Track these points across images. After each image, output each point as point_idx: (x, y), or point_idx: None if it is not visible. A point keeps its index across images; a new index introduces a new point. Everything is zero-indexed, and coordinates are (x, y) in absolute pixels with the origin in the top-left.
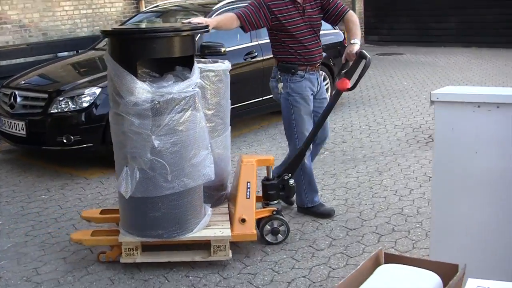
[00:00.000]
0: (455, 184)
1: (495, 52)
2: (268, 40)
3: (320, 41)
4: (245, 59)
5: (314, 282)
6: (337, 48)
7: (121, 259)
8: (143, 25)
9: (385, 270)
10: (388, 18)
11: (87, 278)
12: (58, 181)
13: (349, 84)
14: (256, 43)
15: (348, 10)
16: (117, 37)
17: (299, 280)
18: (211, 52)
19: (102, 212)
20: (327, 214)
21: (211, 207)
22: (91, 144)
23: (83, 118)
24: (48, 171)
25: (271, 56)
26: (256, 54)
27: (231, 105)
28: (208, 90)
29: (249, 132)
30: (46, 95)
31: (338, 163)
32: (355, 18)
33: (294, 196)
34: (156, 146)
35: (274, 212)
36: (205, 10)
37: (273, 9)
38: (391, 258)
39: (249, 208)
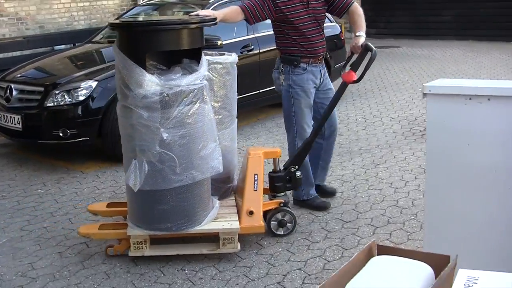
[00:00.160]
0: (447, 176)
1: (491, 45)
2: (265, 33)
3: (323, 33)
4: (241, 52)
5: (309, 275)
6: (334, 41)
7: (129, 252)
8: (146, 18)
9: (378, 262)
10: (385, 12)
11: (82, 273)
12: (54, 175)
13: (355, 76)
14: (252, 36)
15: (353, 2)
16: (126, 29)
17: (295, 273)
18: (207, 45)
19: (108, 205)
20: (323, 207)
21: (218, 199)
22: (87, 138)
23: (79, 112)
24: (44, 165)
25: (268, 49)
26: (252, 47)
27: None
28: (216, 83)
29: (246, 125)
30: (42, 89)
31: (334, 156)
32: (359, 10)
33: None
34: (165, 138)
35: (281, 204)
36: (202, 3)
37: (277, 1)
38: (384, 250)
39: (256, 200)
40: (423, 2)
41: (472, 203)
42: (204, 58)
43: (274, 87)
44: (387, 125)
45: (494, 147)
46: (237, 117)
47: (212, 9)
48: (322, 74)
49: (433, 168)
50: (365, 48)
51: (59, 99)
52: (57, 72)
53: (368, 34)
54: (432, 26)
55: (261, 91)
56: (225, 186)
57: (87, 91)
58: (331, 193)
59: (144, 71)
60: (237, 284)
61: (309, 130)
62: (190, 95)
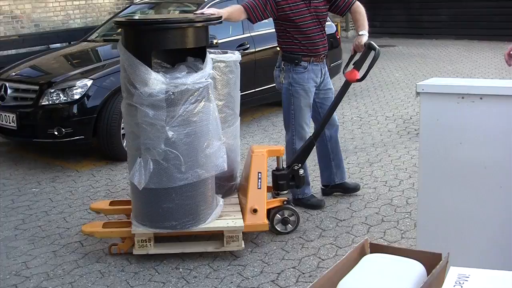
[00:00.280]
0: (440, 175)
1: (486, 44)
2: (260, 32)
3: (325, 32)
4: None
5: (303, 273)
6: (330, 40)
7: (134, 250)
8: (142, 16)
9: (370, 260)
10: (380, 11)
11: (77, 272)
12: (49, 174)
13: (359, 75)
14: (248, 35)
15: (355, 1)
16: (132, 27)
17: (289, 271)
18: None
19: (111, 203)
20: (317, 206)
21: (221, 197)
22: (83, 137)
23: (74, 110)
24: (39, 163)
25: (263, 48)
26: (248, 45)
27: None
28: (219, 81)
29: (241, 124)
30: (37, 87)
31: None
32: (362, 9)
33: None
34: (170, 137)
35: (285, 202)
36: (198, 2)
37: (280, 0)
38: (376, 248)
39: (260, 198)
40: (418, 1)
41: (465, 201)
42: (209, 57)
43: (269, 86)
44: (382, 124)
45: (486, 145)
46: None
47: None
48: (323, 73)
49: (426, 167)
50: (368, 47)
51: (54, 98)
52: (53, 70)
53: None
54: (427, 25)
55: (256, 90)
56: (229, 184)
57: (83, 90)
58: (354, 189)
59: (150, 69)
60: (232, 282)
61: (307, 129)
62: (196, 93)
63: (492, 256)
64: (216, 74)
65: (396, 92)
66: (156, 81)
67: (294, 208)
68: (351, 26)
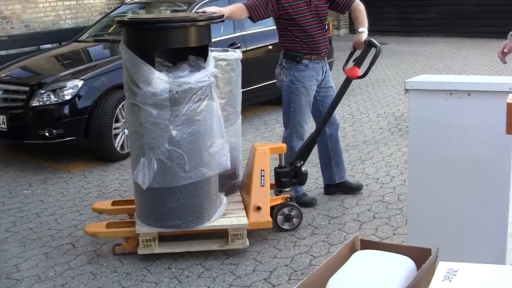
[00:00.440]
0: (430, 171)
1: (476, 41)
2: (251, 31)
3: (326, 30)
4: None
5: (295, 271)
6: None
7: (138, 250)
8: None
9: (361, 256)
10: (372, 9)
11: (68, 273)
12: (40, 175)
13: (360, 72)
14: (239, 34)
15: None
16: (135, 27)
17: (281, 269)
18: None
19: (113, 203)
20: (309, 204)
21: (224, 195)
22: (74, 137)
23: (65, 111)
24: (30, 165)
25: (254, 47)
26: (239, 44)
27: None
28: (221, 79)
29: None
30: (27, 88)
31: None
32: (361, 7)
33: None
34: (174, 136)
35: (288, 199)
36: (189, 1)
37: None
38: (366, 244)
39: (264, 196)
40: None
41: (454, 197)
42: (211, 55)
43: (261, 84)
44: (373, 121)
45: (474, 141)
46: None
47: (198, 8)
48: (325, 71)
49: (415, 163)
50: (369, 44)
51: (45, 99)
52: (43, 71)
53: (354, 31)
54: (418, 23)
55: (248, 89)
56: (231, 182)
57: (73, 91)
58: (356, 188)
59: (153, 68)
60: (224, 281)
61: (306, 127)
62: (199, 92)
63: (482, 251)
64: (218, 73)
65: (387, 90)
66: (160, 80)
67: (297, 205)
68: (342, 25)
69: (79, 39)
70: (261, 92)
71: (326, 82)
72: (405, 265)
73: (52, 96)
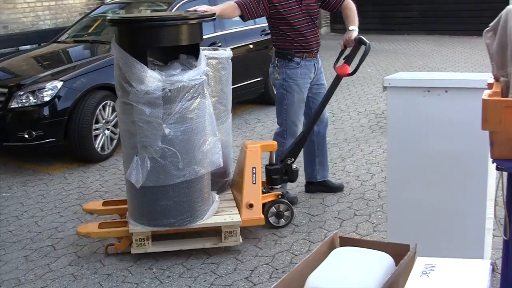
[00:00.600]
0: (408, 167)
1: (457, 39)
2: (232, 31)
3: (317, 28)
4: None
5: (276, 269)
6: None
7: (132, 250)
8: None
9: (339, 253)
10: None
11: (49, 276)
12: (20, 177)
13: (350, 69)
14: (220, 33)
15: None
16: (127, 26)
17: (262, 268)
18: None
19: (104, 203)
20: (290, 202)
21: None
22: (54, 139)
23: (44, 113)
24: (10, 167)
25: (235, 46)
26: (220, 44)
27: None
28: (212, 78)
29: None
30: (5, 90)
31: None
32: (352, 5)
33: None
34: (167, 134)
35: (279, 196)
36: (169, 1)
37: None
38: (345, 241)
39: (255, 193)
40: None
41: (433, 193)
42: (203, 53)
43: (242, 84)
44: (354, 119)
45: (452, 137)
46: None
47: (177, 8)
48: (317, 68)
49: (394, 160)
50: (359, 42)
51: (24, 100)
52: (22, 72)
53: (336, 30)
54: (399, 21)
55: None
56: (222, 181)
57: (53, 92)
58: (337, 188)
59: (146, 67)
60: (205, 281)
61: (300, 125)
62: (191, 90)
63: (461, 246)
64: (209, 71)
65: (368, 88)
66: (153, 79)
67: (288, 202)
68: (323, 23)
69: (58, 40)
70: (242, 91)
71: (318, 80)
72: (383, 261)
73: (31, 97)
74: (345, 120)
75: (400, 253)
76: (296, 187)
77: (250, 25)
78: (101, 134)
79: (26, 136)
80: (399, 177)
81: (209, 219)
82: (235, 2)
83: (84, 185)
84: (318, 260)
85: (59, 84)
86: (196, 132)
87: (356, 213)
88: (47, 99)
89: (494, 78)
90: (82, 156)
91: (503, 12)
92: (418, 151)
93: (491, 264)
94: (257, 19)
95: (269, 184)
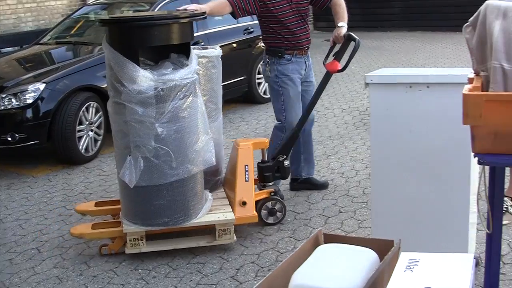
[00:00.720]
0: (392, 163)
1: (439, 35)
2: (214, 30)
3: (308, 26)
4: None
5: (262, 267)
6: None
7: (126, 250)
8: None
9: (324, 250)
10: None
11: (34, 279)
12: (3, 180)
13: (340, 65)
14: (202, 32)
15: None
16: (118, 25)
17: (248, 266)
18: None
19: (97, 204)
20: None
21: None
22: (37, 141)
23: (27, 115)
24: None
25: (218, 45)
26: (202, 43)
27: None
28: (202, 76)
29: None
30: None
31: None
32: (341, 2)
33: None
34: (160, 133)
35: (272, 194)
36: (151, 1)
37: None
38: (330, 238)
39: (248, 190)
40: None
41: (417, 188)
42: (194, 52)
43: (225, 83)
44: (338, 116)
45: (435, 132)
46: None
47: (160, 8)
48: (307, 65)
49: (377, 156)
50: (348, 38)
51: (6, 103)
52: (4, 75)
53: (320, 27)
54: (382, 18)
55: None
56: (214, 179)
57: (35, 94)
58: (322, 186)
59: (138, 66)
60: (191, 280)
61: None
62: (183, 89)
63: (445, 241)
64: (199, 70)
65: (352, 85)
66: (145, 78)
67: (280, 199)
68: None
69: (40, 42)
70: (225, 90)
71: (307, 77)
72: (368, 257)
73: (13, 100)
74: (329, 118)
75: (384, 249)
76: (280, 185)
77: (232, 24)
78: (84, 136)
79: (9, 139)
80: (382, 173)
81: (203, 218)
82: None
83: (69, 187)
84: (303, 258)
85: (41, 86)
86: (189, 131)
87: (341, 210)
88: (29, 101)
89: (474, 73)
90: (66, 158)
91: (482, 7)
92: (401, 147)
93: (474, 258)
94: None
95: (261, 181)
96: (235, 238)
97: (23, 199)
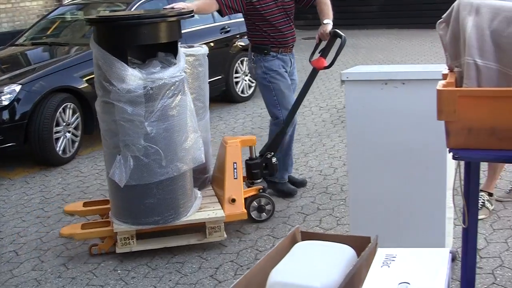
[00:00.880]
0: (368, 160)
1: (415, 32)
2: (191, 29)
3: (293, 24)
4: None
5: (241, 266)
6: None
7: (116, 249)
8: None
9: (301, 247)
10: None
11: (12, 281)
12: None
13: (326, 62)
14: None
15: None
16: (106, 24)
17: (227, 265)
18: None
19: (85, 204)
20: (289, 194)
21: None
22: (14, 143)
23: (3, 117)
24: None
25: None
26: (180, 43)
27: None
28: (189, 74)
29: None
30: None
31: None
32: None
33: None
34: (149, 132)
35: (261, 191)
36: (127, 1)
37: None
38: (307, 236)
39: (237, 188)
40: None
41: (393, 184)
42: (182, 50)
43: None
44: (316, 114)
45: (410, 128)
46: None
47: (136, 8)
48: (292, 63)
49: (354, 153)
50: (334, 35)
51: None
52: None
53: (297, 26)
54: (359, 15)
55: None
56: (203, 177)
57: (11, 95)
58: (301, 183)
59: (126, 65)
60: (170, 280)
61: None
62: (172, 87)
63: (423, 236)
64: (186, 68)
65: (329, 82)
66: (134, 77)
67: (269, 196)
68: None
69: (16, 43)
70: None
71: (291, 74)
72: (345, 253)
73: None
74: (307, 116)
75: (361, 245)
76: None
77: (209, 24)
78: (62, 137)
79: None
80: (359, 170)
81: (193, 216)
82: None
83: (46, 189)
84: (280, 255)
85: (17, 87)
86: (178, 129)
87: (319, 207)
88: (5, 103)
89: (448, 69)
90: (43, 159)
91: (455, 4)
92: (377, 144)
93: (450, 252)
94: (216, 17)
95: (250, 178)
96: (225, 236)
97: (0, 201)
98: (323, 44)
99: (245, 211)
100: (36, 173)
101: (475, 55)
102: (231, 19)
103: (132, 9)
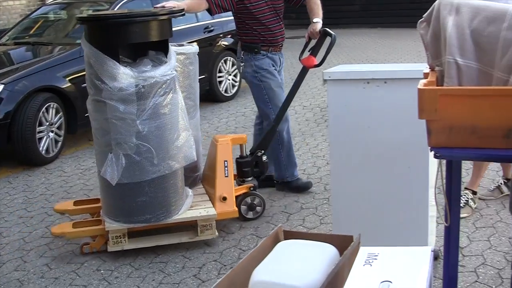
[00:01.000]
0: (351, 159)
1: (398, 31)
2: (176, 29)
3: (283, 23)
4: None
5: (225, 265)
6: None
7: (108, 248)
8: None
9: (284, 246)
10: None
11: None
12: None
13: (316, 61)
14: None
15: None
16: (98, 23)
17: (210, 264)
18: None
19: (75, 203)
20: (306, 187)
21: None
22: None
23: None
24: None
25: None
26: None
27: None
28: (180, 73)
29: None
30: None
31: (249, 146)
32: None
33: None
34: (141, 130)
35: (251, 189)
36: (111, 0)
37: None
38: (289, 235)
39: (228, 186)
40: None
41: (376, 183)
42: (172, 49)
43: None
44: (300, 113)
45: (393, 127)
46: None
47: (119, 7)
48: (281, 62)
49: (336, 152)
50: (324, 33)
51: None
52: None
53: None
54: (342, 15)
55: None
56: (193, 175)
57: None
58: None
59: (118, 64)
60: (153, 280)
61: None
62: (164, 85)
63: (405, 234)
64: (177, 66)
65: (312, 82)
66: (125, 75)
67: (260, 194)
68: None
69: None
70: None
71: (279, 73)
72: (327, 252)
73: None
74: (290, 115)
75: (344, 244)
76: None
77: (193, 23)
78: (45, 137)
79: None
80: (342, 168)
81: (184, 214)
82: None
83: (29, 189)
84: (263, 254)
85: (0, 87)
86: (170, 127)
87: (302, 206)
88: None
89: (429, 68)
90: (26, 159)
91: (436, 3)
92: (360, 143)
93: (433, 251)
94: (199, 16)
95: (240, 176)
96: (216, 233)
97: None
98: (312, 42)
99: (236, 209)
100: (19, 173)
101: (456, 54)
102: (214, 19)
103: (115, 9)
